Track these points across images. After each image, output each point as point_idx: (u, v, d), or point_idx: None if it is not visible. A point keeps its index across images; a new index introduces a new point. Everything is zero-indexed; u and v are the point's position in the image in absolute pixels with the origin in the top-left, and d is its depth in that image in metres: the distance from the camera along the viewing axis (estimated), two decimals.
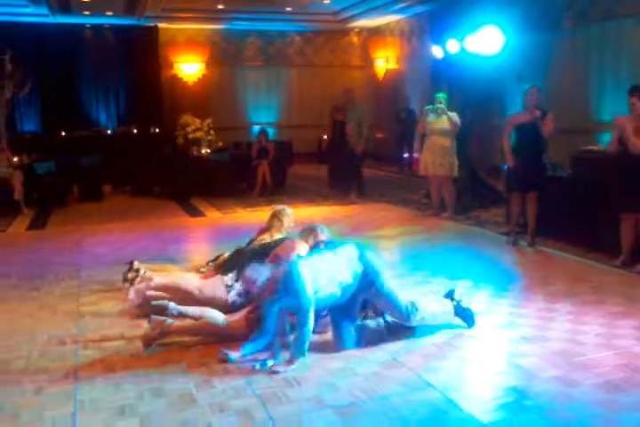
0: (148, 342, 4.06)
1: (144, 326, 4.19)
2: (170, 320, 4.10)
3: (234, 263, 4.85)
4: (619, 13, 8.72)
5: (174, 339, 4.16)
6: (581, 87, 8.77)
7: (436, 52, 9.78)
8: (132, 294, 4.69)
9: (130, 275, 5.18)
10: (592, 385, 3.43)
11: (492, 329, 4.41)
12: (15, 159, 10.17)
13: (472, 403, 3.27)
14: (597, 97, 8.78)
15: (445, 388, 3.45)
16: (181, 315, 4.31)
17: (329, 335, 4.18)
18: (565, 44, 9.60)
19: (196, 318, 4.28)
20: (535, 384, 3.47)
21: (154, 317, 4.13)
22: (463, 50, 9.26)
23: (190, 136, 11.53)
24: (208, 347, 4.09)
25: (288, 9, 14.14)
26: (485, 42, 9.17)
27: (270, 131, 13.20)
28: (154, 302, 4.41)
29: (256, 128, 14.39)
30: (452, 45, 9.49)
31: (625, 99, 5.84)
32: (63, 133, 13.83)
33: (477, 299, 4.98)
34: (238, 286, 4.59)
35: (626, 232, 5.86)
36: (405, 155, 14.16)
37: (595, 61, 8.95)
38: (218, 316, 4.28)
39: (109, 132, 14.86)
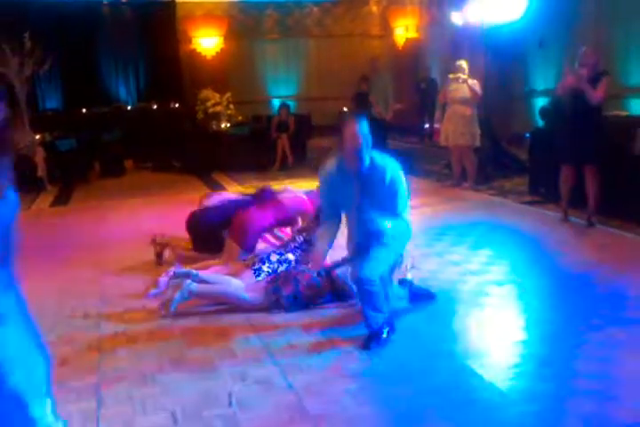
0: (168, 304, 4.12)
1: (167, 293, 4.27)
2: (191, 283, 4.15)
3: None
4: None
5: (193, 308, 4.20)
6: (607, 52, 8.55)
7: (457, 19, 9.59)
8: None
9: (157, 249, 5.34)
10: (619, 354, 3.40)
11: (512, 298, 4.38)
12: (37, 137, 10.25)
13: (492, 371, 3.26)
14: (624, 61, 8.56)
15: (466, 356, 3.44)
16: (204, 282, 4.35)
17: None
18: (590, 7, 9.33)
19: (216, 290, 4.32)
20: (556, 352, 3.45)
21: (173, 280, 4.21)
22: (484, 16, 9.08)
23: (210, 111, 11.51)
24: (229, 316, 4.13)
25: None
26: (506, 7, 8.98)
27: (290, 104, 13.12)
28: (177, 271, 4.45)
29: (275, 101, 14.32)
30: (473, 12, 9.30)
31: None
32: (84, 110, 13.88)
33: (497, 268, 4.95)
34: (266, 269, 4.55)
35: None
36: (426, 125, 13.99)
37: (621, 25, 8.69)
38: (239, 287, 4.30)
39: (129, 107, 14.88)
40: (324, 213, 3.98)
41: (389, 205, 3.74)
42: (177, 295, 4.12)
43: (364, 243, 3.76)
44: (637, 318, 3.86)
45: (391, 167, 3.72)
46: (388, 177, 3.67)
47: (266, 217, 5.09)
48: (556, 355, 3.42)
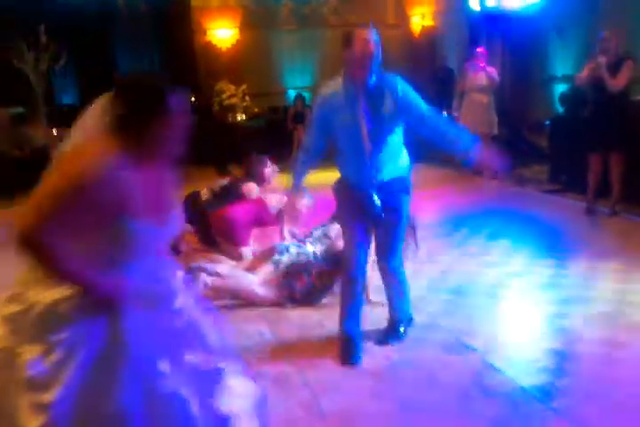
0: None
1: None
2: (205, 277, 4.13)
3: None
4: None
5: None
6: (631, 35, 8.33)
7: (474, 4, 9.42)
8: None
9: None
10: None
11: (533, 290, 4.29)
12: (55, 133, 10.28)
13: (512, 366, 3.19)
14: None
15: (485, 351, 3.37)
16: (218, 276, 4.32)
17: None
18: None
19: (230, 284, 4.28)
20: (579, 347, 3.37)
21: (188, 274, 4.20)
22: (501, 1, 8.90)
23: (225, 103, 11.47)
24: (244, 311, 4.09)
25: None
26: None
27: (306, 95, 13.01)
28: (192, 265, 4.42)
29: (292, 92, 14.22)
30: None
31: None
32: None
33: (516, 260, 4.85)
34: (285, 260, 4.49)
35: None
36: (444, 114, 13.81)
37: None
38: (252, 282, 4.27)
39: None
40: (305, 143, 3.42)
41: (413, 117, 3.22)
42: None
43: (380, 197, 3.22)
44: None
45: (401, 81, 3.20)
46: (399, 89, 3.15)
47: (244, 211, 5.02)
48: (577, 350, 3.33)
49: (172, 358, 1.79)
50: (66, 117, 12.04)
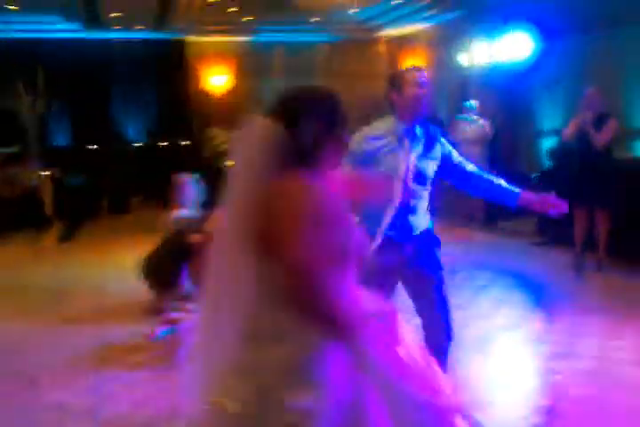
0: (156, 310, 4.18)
1: None
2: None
3: None
4: None
5: None
6: (614, 93, 8.56)
7: (464, 60, 9.67)
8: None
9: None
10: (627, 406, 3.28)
11: (521, 345, 4.27)
12: (46, 173, 10.31)
13: (500, 422, 3.14)
14: (629, 103, 8.56)
15: (471, 407, 3.32)
16: None
17: None
18: (597, 49, 9.38)
19: None
20: (566, 404, 3.34)
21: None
22: (492, 57, 9.15)
23: (218, 149, 11.58)
24: None
25: (314, 19, 14.15)
26: (514, 48, 9.07)
27: None
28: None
29: None
30: (481, 52, 9.38)
31: None
32: (94, 147, 13.99)
33: (504, 313, 4.85)
34: None
35: None
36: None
37: (627, 67, 8.72)
38: None
39: (140, 145, 15.00)
40: None
41: (453, 166, 3.12)
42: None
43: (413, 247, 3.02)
44: None
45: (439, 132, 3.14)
46: (442, 138, 3.14)
47: None
48: (565, 407, 3.31)
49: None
50: (57, 158, 12.12)
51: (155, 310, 5.04)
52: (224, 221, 1.66)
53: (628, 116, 8.05)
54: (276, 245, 1.54)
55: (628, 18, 8.81)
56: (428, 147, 3.07)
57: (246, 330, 1.59)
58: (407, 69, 3.17)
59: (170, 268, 5.10)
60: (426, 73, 3.07)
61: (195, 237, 5.10)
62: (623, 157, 7.30)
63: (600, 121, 5.79)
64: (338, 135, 1.75)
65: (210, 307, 1.67)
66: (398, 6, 12.97)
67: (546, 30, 9.00)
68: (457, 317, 4.74)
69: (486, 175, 3.20)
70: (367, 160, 3.01)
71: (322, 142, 1.69)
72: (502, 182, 3.17)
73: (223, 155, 11.65)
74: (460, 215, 8.54)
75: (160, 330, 4.63)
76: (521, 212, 8.46)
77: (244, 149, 1.68)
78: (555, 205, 3.01)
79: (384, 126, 3.09)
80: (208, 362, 1.65)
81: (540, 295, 5.33)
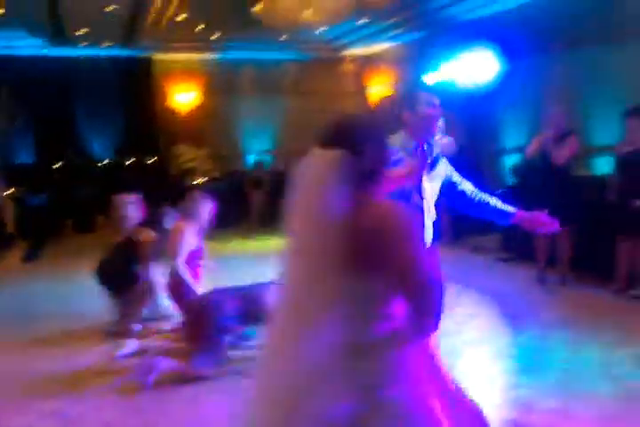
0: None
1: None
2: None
3: None
4: (611, 36, 8.79)
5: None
6: (575, 112, 8.78)
7: (429, 78, 9.83)
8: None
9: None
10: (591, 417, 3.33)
11: (487, 360, 4.31)
12: (8, 192, 10.15)
13: None
14: (590, 121, 8.78)
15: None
16: None
17: None
18: (559, 70, 9.63)
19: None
20: (532, 418, 3.37)
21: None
22: (456, 76, 9.32)
23: (185, 166, 11.54)
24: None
25: (282, 38, 14.26)
26: (478, 67, 9.26)
27: (266, 159, 13.20)
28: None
29: (252, 157, 14.42)
30: (445, 71, 9.56)
31: (617, 122, 5.81)
32: (57, 165, 13.81)
33: (470, 329, 4.89)
34: None
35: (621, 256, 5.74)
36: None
37: (587, 87, 8.97)
38: None
39: (105, 163, 14.85)
40: None
41: (455, 187, 3.27)
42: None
43: None
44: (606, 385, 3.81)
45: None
46: (443, 158, 3.26)
47: None
48: (531, 420, 3.34)
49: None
50: (21, 176, 11.94)
51: (120, 332, 4.98)
52: (295, 244, 1.85)
53: (588, 134, 8.26)
54: (381, 260, 1.76)
55: (587, 39, 9.08)
56: (433, 164, 3.19)
57: (344, 338, 1.75)
58: (421, 90, 3.28)
59: (122, 268, 5.09)
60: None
61: (144, 237, 5.10)
62: (583, 174, 7.49)
63: (562, 139, 5.94)
64: (387, 155, 1.96)
65: (287, 322, 1.82)
66: (364, 26, 13.17)
67: (509, 50, 9.22)
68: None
69: (482, 195, 3.31)
70: None
71: (380, 164, 1.91)
72: (497, 202, 3.28)
73: (190, 172, 11.62)
74: None
75: (126, 352, 4.57)
76: (487, 228, 8.61)
77: (317, 179, 1.84)
78: (545, 223, 3.11)
79: (397, 142, 3.14)
80: (286, 375, 1.76)
81: (505, 310, 5.40)
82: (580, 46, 9.18)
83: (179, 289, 4.72)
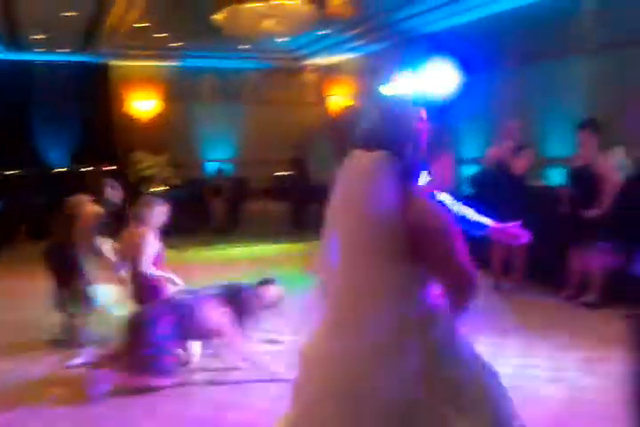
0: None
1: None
2: None
3: None
4: (563, 51, 9.05)
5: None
6: (530, 125, 9.00)
7: (388, 89, 9.96)
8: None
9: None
10: (541, 421, 3.41)
11: None
12: None
13: None
14: (543, 134, 9.02)
15: None
16: None
17: None
18: (515, 83, 9.87)
19: None
20: None
21: None
22: (415, 87, 9.46)
23: (144, 173, 11.42)
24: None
25: (243, 47, 14.28)
26: (437, 80, 9.42)
27: (227, 167, 13.17)
28: None
29: (212, 165, 14.37)
30: (405, 83, 9.70)
31: (571, 135, 5.98)
32: (12, 172, 13.53)
33: None
34: None
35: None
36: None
37: (544, 99, 9.21)
38: None
39: (61, 170, 14.59)
40: None
41: None
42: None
43: None
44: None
45: None
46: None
47: None
48: None
49: None
50: None
51: (70, 341, 4.90)
52: (347, 238, 2.04)
53: (542, 146, 8.47)
54: (425, 249, 1.97)
55: (542, 53, 9.34)
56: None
57: (399, 314, 2.01)
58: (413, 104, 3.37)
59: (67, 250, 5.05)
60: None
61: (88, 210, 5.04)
62: (537, 184, 7.68)
63: (518, 150, 6.11)
64: (422, 156, 2.20)
65: (350, 305, 2.04)
66: (325, 36, 13.29)
67: (467, 64, 9.41)
68: None
69: (459, 205, 3.34)
70: None
71: (417, 164, 2.15)
72: (473, 213, 3.33)
73: (148, 180, 11.50)
74: None
75: (77, 362, 4.49)
76: None
77: (366, 179, 2.02)
78: (517, 235, 3.18)
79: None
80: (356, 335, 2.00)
81: (459, 317, 5.46)
82: (535, 61, 9.44)
83: (142, 294, 4.70)
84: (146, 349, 3.95)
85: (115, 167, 14.03)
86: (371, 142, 2.09)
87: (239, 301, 4.38)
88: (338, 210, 2.07)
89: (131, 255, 4.72)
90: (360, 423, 1.94)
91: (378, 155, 2.03)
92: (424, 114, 3.20)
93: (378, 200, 1.97)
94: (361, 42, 13.43)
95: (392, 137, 2.11)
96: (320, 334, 2.10)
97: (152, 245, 4.74)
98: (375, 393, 1.95)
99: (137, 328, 4.06)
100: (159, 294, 4.61)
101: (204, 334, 4.25)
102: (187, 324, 4.10)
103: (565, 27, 9.01)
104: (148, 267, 4.63)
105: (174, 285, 4.69)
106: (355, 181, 2.04)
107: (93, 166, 14.22)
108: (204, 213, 11.11)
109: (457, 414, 2.00)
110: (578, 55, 8.76)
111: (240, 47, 14.29)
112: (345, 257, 2.04)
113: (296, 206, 11.33)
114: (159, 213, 5.00)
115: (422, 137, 3.17)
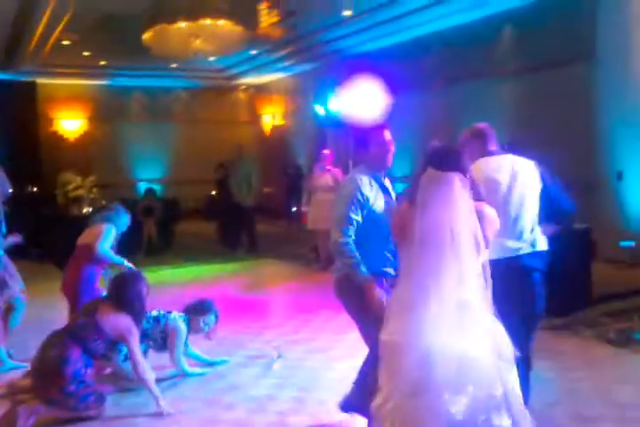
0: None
1: None
2: None
3: None
4: (485, 73, 9.41)
5: None
6: (453, 144, 9.29)
7: (319, 109, 10.09)
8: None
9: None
10: None
11: None
12: None
13: None
14: None
15: None
16: None
17: None
18: (439, 103, 10.18)
19: None
20: None
21: None
22: (344, 107, 9.61)
23: (71, 195, 11.09)
24: None
25: (173, 65, 14.20)
26: (364, 100, 9.59)
27: (157, 187, 12.99)
28: None
29: (142, 185, 14.14)
30: (334, 103, 9.84)
31: None
32: None
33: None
34: None
35: None
36: (294, 209, 14.30)
37: (466, 119, 9.51)
38: None
39: None
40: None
41: None
42: None
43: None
44: None
45: None
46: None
47: None
48: None
49: None
50: None
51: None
52: (441, 232, 2.50)
53: None
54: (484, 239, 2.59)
55: (464, 75, 9.69)
56: (390, 189, 3.55)
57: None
58: (381, 128, 3.67)
59: None
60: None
61: None
62: None
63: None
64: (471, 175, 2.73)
65: (433, 274, 2.49)
66: (256, 56, 13.37)
67: (393, 85, 9.65)
68: (318, 359, 4.87)
69: None
70: (365, 205, 3.32)
71: (472, 181, 2.68)
72: None
73: (77, 201, 11.17)
74: (321, 258, 8.78)
75: None
76: None
77: (451, 194, 2.53)
78: None
79: (365, 175, 3.42)
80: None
81: None
82: (458, 82, 9.78)
83: (75, 287, 4.81)
84: (64, 388, 3.78)
85: (36, 189, 13.59)
86: (445, 163, 2.57)
87: (162, 332, 4.53)
88: (425, 221, 2.51)
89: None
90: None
91: (454, 174, 2.55)
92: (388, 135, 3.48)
93: (464, 210, 2.53)
94: (291, 62, 13.59)
95: (461, 160, 2.65)
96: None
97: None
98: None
99: (49, 373, 3.85)
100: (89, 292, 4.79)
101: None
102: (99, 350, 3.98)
103: (488, 48, 9.39)
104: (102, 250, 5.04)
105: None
106: (438, 195, 2.52)
107: (17, 188, 13.75)
108: (134, 235, 10.87)
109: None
110: (499, 76, 9.14)
111: (170, 66, 14.21)
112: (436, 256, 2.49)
113: (224, 226, 11.25)
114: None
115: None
